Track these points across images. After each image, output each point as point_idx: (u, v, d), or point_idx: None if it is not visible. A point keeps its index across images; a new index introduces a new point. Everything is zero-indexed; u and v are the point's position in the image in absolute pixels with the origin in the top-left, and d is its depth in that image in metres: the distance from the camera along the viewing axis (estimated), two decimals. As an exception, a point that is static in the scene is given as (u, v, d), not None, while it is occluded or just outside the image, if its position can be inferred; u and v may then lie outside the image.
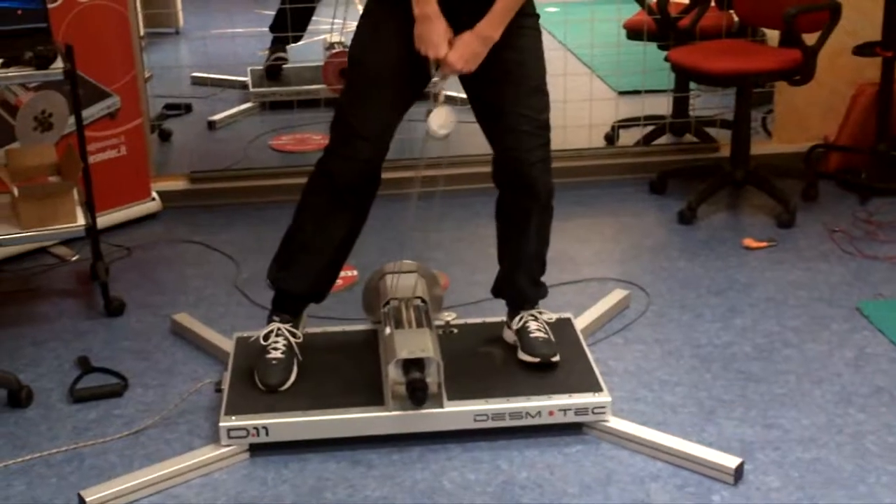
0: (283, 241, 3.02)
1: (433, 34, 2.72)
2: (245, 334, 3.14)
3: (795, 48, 4.18)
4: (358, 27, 2.87)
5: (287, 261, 3.01)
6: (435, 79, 2.80)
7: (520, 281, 3.09)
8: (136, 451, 2.85)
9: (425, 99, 2.90)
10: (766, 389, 3.09)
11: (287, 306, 3.05)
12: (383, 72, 2.81)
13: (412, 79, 2.84)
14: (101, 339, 3.45)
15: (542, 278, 3.13)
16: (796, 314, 3.53)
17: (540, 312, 3.11)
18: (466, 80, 2.86)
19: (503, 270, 3.12)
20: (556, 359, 2.99)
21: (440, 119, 2.79)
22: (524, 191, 2.89)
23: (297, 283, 3.01)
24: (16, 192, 3.43)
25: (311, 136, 5.21)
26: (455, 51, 2.73)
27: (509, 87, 2.82)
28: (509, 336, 3.12)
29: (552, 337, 3.05)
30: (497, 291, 3.18)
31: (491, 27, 2.74)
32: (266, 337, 3.00)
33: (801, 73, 4.21)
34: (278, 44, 6.04)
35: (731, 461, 2.68)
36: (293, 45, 6.07)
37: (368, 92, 2.82)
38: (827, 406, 3.00)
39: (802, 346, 3.33)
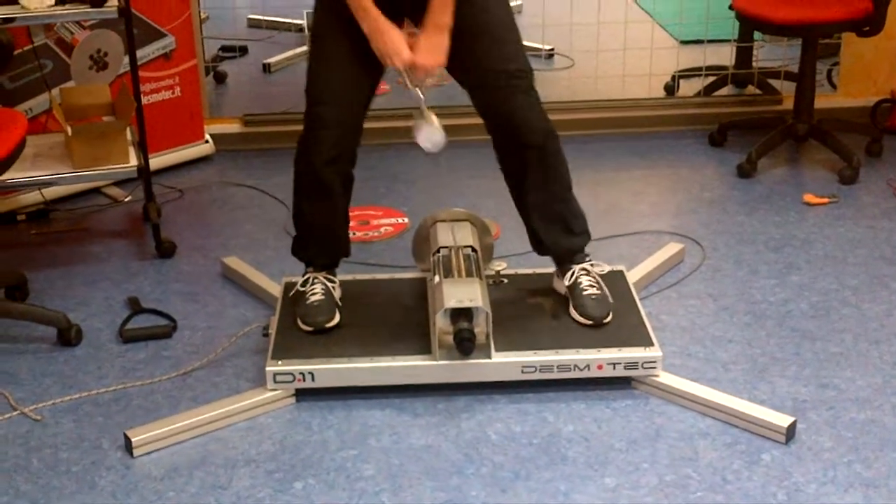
0: (293, 223, 3.04)
1: (391, 43, 2.72)
2: (294, 279, 3.12)
3: (865, -2, 4.07)
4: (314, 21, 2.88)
5: (303, 240, 3.04)
6: (413, 87, 2.77)
7: (552, 233, 2.99)
8: (182, 392, 2.86)
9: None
10: (821, 348, 3.03)
11: (317, 266, 3.06)
12: (342, 49, 2.79)
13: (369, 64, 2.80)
14: (152, 281, 3.46)
15: (580, 224, 3.02)
16: (855, 273, 3.45)
17: (592, 265, 3.04)
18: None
19: (528, 224, 3.02)
20: (608, 320, 2.94)
21: (428, 133, 2.79)
22: (515, 138, 2.83)
23: (320, 255, 3.05)
24: (69, 131, 3.43)
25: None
26: (419, 52, 2.73)
27: (475, 40, 2.77)
28: (560, 286, 3.07)
29: (606, 291, 2.99)
30: (537, 247, 3.06)
31: (440, 14, 2.72)
32: (303, 284, 3.01)
33: (871, 24, 4.09)
34: None
35: (783, 420, 2.63)
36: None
37: (328, 64, 2.82)
38: (884, 367, 2.93)
39: (860, 305, 3.26)
